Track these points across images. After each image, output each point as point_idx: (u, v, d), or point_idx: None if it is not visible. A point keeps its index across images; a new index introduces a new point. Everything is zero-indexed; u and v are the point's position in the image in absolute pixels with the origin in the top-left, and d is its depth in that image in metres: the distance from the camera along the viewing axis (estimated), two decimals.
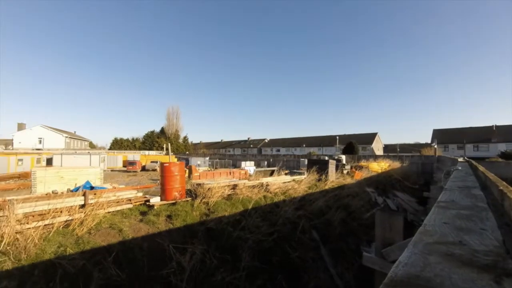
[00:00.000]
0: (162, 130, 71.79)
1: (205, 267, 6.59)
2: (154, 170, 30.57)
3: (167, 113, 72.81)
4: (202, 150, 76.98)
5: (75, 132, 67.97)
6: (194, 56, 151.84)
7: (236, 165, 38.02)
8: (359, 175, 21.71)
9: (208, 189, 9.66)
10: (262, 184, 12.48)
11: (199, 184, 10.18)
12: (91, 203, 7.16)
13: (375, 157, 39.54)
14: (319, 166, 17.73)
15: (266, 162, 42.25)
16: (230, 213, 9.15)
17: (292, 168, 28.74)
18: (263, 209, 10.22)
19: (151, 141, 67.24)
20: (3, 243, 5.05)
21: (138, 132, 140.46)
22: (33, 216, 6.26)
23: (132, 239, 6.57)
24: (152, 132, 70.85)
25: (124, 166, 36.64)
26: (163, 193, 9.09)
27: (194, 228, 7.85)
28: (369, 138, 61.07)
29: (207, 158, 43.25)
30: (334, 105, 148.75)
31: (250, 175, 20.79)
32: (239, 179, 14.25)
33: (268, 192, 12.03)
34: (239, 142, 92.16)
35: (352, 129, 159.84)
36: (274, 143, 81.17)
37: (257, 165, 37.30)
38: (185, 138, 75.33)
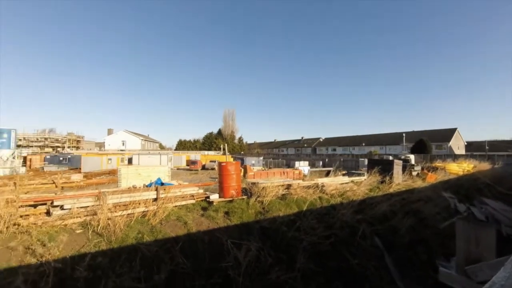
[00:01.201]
0: (219, 132, 76.80)
1: (260, 264, 6.73)
2: (213, 169, 32.87)
3: (223, 115, 77.75)
4: (256, 150, 79.19)
5: (148, 135, 78.75)
6: (249, 57, 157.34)
7: (289, 165, 37.70)
8: (433, 178, 18.80)
9: (263, 188, 9.83)
10: (317, 185, 12.05)
11: (254, 183, 10.46)
12: (162, 197, 8.13)
13: (454, 157, 33.81)
14: (382, 166, 16.07)
15: (321, 162, 40.61)
16: (285, 213, 9.12)
17: (350, 168, 26.88)
18: (319, 211, 9.84)
19: (209, 142, 72.69)
20: (99, 226, 6.21)
21: (198, 133, 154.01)
22: (119, 206, 7.49)
23: (195, 232, 7.20)
24: (211, 133, 76.51)
25: (187, 165, 40.73)
26: (221, 190, 9.65)
27: (249, 225, 8.11)
28: (446, 134, 52.47)
29: (261, 158, 44.32)
30: (399, 99, 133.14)
31: (304, 175, 20.36)
32: (293, 179, 14.10)
33: (324, 193, 11.53)
34: (292, 141, 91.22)
35: (422, 125, 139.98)
36: (329, 142, 77.45)
37: (312, 165, 36.21)
38: (240, 139, 78.81)
